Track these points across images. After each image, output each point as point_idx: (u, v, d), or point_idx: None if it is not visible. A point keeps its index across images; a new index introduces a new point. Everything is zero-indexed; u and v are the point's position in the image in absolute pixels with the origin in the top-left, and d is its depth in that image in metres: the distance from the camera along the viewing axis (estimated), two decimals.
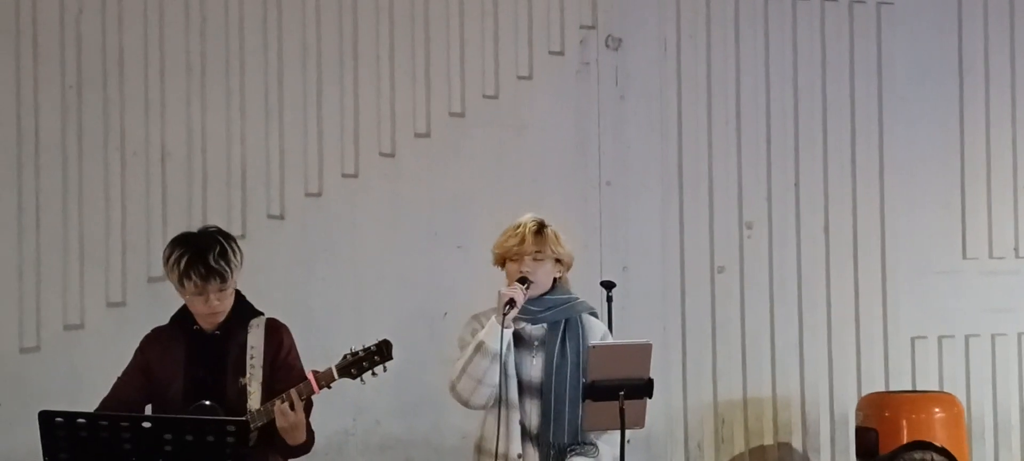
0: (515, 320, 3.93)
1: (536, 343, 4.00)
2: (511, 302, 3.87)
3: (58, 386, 4.88)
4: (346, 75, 5.40)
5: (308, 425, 3.80)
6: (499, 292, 3.94)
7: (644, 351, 3.77)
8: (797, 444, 5.92)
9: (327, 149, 5.37)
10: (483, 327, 4.03)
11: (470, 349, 3.92)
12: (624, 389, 3.70)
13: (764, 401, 5.88)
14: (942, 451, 3.55)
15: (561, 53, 5.65)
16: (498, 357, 3.89)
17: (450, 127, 5.50)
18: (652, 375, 5.53)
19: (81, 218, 5.12)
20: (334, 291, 5.31)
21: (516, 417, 3.95)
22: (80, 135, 5.13)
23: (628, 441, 5.50)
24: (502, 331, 3.86)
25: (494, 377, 3.91)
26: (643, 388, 3.75)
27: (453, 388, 3.97)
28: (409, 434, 5.39)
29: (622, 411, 3.70)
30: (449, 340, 4.22)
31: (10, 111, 5.07)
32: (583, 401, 3.76)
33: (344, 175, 5.39)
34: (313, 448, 3.87)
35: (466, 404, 4.00)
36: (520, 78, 5.60)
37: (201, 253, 3.72)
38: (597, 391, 3.70)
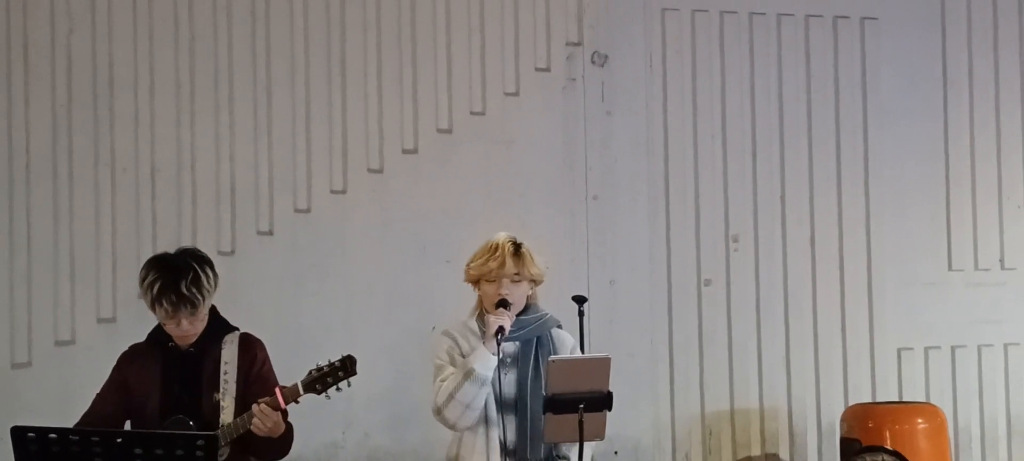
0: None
1: (508, 359, 4.05)
2: (500, 330, 3.91)
3: (49, 401, 4.92)
4: (334, 92, 5.44)
5: (286, 422, 3.86)
6: (488, 319, 3.98)
7: (603, 365, 3.80)
8: (784, 455, 5.94)
9: (316, 165, 5.41)
10: (456, 344, 4.07)
11: (459, 375, 3.95)
12: (584, 402, 3.74)
13: (751, 412, 5.90)
14: (894, 454, 3.60)
15: (548, 69, 5.69)
16: (487, 382, 3.93)
17: (438, 143, 5.54)
18: (640, 387, 5.64)
19: (72, 235, 5.16)
20: (323, 307, 5.35)
21: (495, 434, 3.99)
22: (70, 152, 5.17)
23: (616, 452, 5.57)
24: (497, 359, 3.90)
25: (482, 401, 3.95)
26: (602, 401, 3.78)
27: (438, 412, 4.00)
28: (398, 447, 5.42)
29: (581, 424, 3.73)
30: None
31: (1, 129, 5.11)
32: (544, 414, 3.80)
33: (333, 191, 5.43)
34: (298, 454, 3.92)
35: (452, 428, 4.03)
36: (507, 94, 5.64)
37: (174, 280, 3.78)
38: (557, 404, 3.74)
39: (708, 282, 5.87)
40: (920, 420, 5.50)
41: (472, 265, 4.10)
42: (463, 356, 4.02)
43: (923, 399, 6.02)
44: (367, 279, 5.42)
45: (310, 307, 5.34)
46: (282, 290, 5.32)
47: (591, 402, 3.74)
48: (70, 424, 3.80)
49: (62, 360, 5.11)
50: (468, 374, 3.92)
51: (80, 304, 5.15)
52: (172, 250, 4.03)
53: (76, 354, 5.11)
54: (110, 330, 5.09)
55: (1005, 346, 6.21)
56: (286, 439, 3.90)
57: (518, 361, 4.04)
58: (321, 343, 5.12)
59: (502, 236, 4.10)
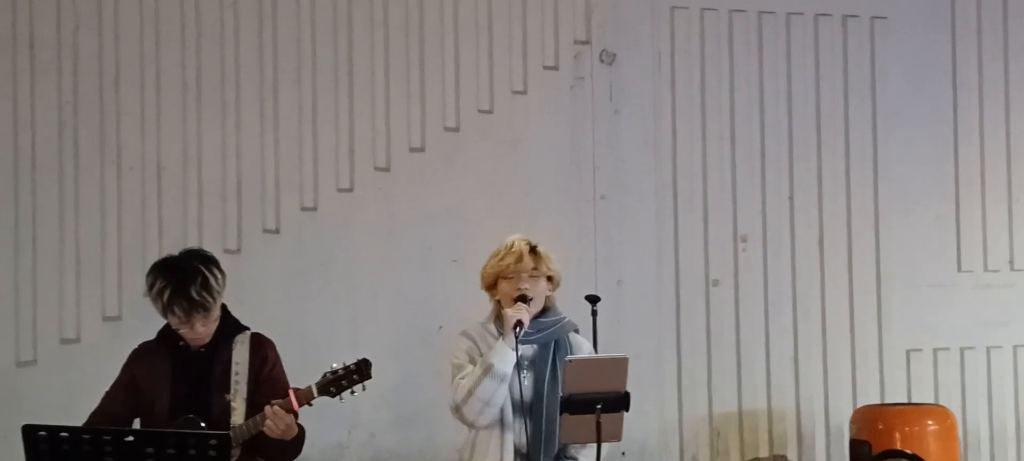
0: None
1: (526, 363, 4.03)
2: (519, 323, 3.90)
3: (54, 400, 4.89)
4: (341, 90, 5.43)
5: (298, 425, 3.84)
6: (506, 314, 3.96)
7: (620, 365, 3.78)
8: (792, 456, 5.92)
9: (322, 163, 5.39)
10: (475, 345, 4.06)
11: (478, 371, 3.93)
12: (601, 402, 3.72)
13: (759, 413, 5.88)
14: (913, 458, 3.61)
15: (555, 68, 5.67)
16: (507, 379, 3.91)
17: (445, 142, 5.52)
18: (647, 388, 5.62)
19: (77, 232, 5.14)
20: (329, 305, 5.33)
21: (510, 437, 3.98)
22: (76, 149, 5.16)
23: (623, 453, 5.55)
24: (516, 354, 3.88)
25: (501, 398, 3.95)
26: (619, 401, 3.76)
27: (457, 409, 3.98)
28: (404, 447, 5.40)
29: (598, 424, 3.71)
30: (444, 354, 4.25)
31: (7, 126, 5.10)
32: (560, 414, 3.78)
33: (339, 189, 5.41)
34: (305, 454, 3.91)
35: (471, 425, 4.02)
36: (515, 93, 5.62)
37: (183, 286, 3.76)
38: (574, 404, 3.72)
39: (716, 282, 5.85)
40: (930, 422, 5.47)
41: (488, 265, 4.12)
42: (482, 356, 4.00)
43: (931, 401, 5.99)
44: (373, 278, 5.40)
45: (316, 306, 5.32)
46: (288, 288, 5.30)
47: (608, 402, 3.72)
48: (76, 422, 3.79)
49: (67, 358, 5.09)
50: (487, 370, 3.91)
51: (86, 302, 5.14)
52: (177, 249, 4.02)
53: (81, 352, 5.10)
54: (116, 328, 5.07)
55: (1014, 348, 6.18)
56: (298, 442, 3.87)
57: (536, 364, 4.03)
58: (327, 342, 5.14)
59: (516, 237, 4.12)
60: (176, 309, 3.76)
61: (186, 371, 3.87)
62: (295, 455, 3.92)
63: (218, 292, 3.83)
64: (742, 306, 5.87)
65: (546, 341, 4.05)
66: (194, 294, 3.75)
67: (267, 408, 3.75)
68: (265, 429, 3.75)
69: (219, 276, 3.85)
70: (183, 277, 3.78)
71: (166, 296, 3.77)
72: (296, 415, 3.82)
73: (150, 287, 3.83)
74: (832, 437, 5.94)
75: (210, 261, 3.88)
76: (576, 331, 4.18)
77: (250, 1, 5.33)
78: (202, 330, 3.83)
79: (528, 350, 4.03)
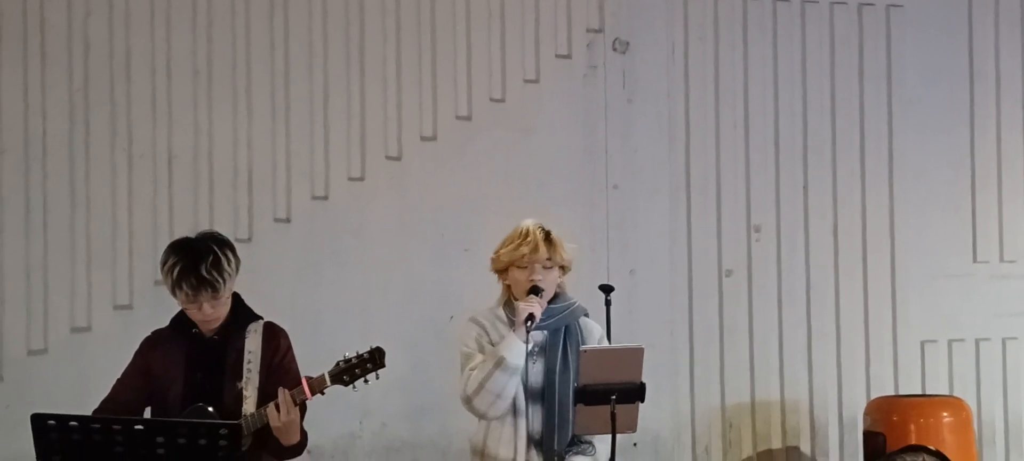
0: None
1: (536, 349, 4.00)
2: (531, 317, 3.86)
3: (65, 388, 4.90)
4: (352, 78, 5.41)
5: (301, 427, 3.82)
6: (518, 306, 3.92)
7: (636, 355, 3.75)
8: (805, 448, 5.90)
9: (334, 152, 5.38)
10: (485, 331, 4.03)
11: (489, 364, 3.90)
12: (616, 393, 3.68)
13: (772, 405, 5.86)
14: (936, 453, 3.60)
15: (568, 56, 5.64)
16: (518, 372, 3.89)
17: (457, 130, 5.50)
18: (660, 379, 5.60)
19: (88, 221, 5.14)
20: (341, 294, 5.32)
21: (522, 423, 3.95)
22: (87, 138, 5.15)
23: (635, 444, 5.53)
24: (527, 347, 3.85)
25: (512, 390, 3.92)
26: (635, 392, 3.72)
27: (469, 402, 3.95)
28: (416, 437, 5.39)
29: (613, 415, 3.67)
30: (456, 343, 4.22)
31: (17, 114, 5.09)
32: (575, 405, 3.75)
33: (351, 178, 5.39)
34: (308, 449, 3.90)
35: (483, 417, 3.99)
36: (527, 81, 5.59)
37: (194, 263, 3.74)
38: (588, 395, 3.68)
39: (729, 273, 5.83)
40: (945, 414, 5.44)
41: (502, 252, 4.06)
42: (492, 344, 3.97)
43: (946, 393, 5.96)
44: (385, 267, 5.39)
45: (327, 295, 5.30)
46: (299, 278, 5.29)
47: (623, 393, 3.69)
48: (86, 411, 3.79)
49: (78, 347, 5.09)
50: (499, 363, 3.88)
51: (96, 291, 5.13)
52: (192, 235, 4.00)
53: (92, 341, 5.10)
54: (126, 317, 5.07)
55: None
56: (299, 447, 3.85)
57: (546, 350, 4.00)
58: (338, 331, 5.13)
59: (530, 223, 4.07)
60: (184, 285, 3.74)
61: (200, 359, 3.86)
62: (295, 455, 3.89)
63: (229, 274, 3.81)
64: (755, 297, 5.84)
65: (556, 327, 4.02)
66: (204, 272, 3.73)
67: (280, 393, 3.73)
68: (268, 416, 3.73)
69: (232, 259, 3.84)
70: (195, 255, 3.77)
71: (176, 272, 3.75)
72: (304, 408, 3.80)
73: (163, 264, 3.83)
74: (846, 429, 5.91)
75: (225, 243, 3.87)
76: (586, 314, 4.15)
77: None
78: (210, 312, 3.81)
79: (538, 336, 4.00)
